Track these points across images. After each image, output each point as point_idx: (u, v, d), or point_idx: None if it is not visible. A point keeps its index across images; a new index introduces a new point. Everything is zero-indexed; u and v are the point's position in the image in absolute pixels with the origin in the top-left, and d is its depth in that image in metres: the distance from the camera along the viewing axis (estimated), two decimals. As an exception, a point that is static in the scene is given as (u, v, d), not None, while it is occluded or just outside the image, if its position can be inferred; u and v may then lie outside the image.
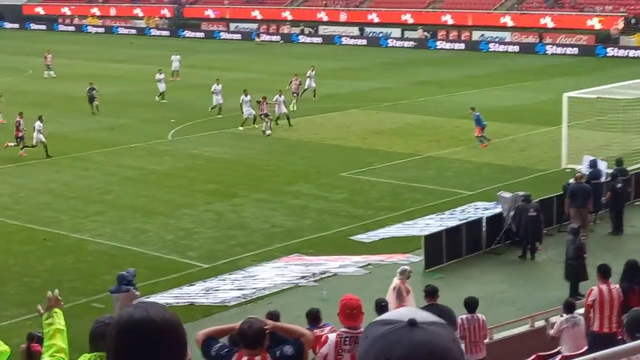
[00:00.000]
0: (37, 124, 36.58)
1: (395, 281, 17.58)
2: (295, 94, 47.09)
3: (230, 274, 22.83)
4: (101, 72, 63.58)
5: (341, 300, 10.19)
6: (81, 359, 5.54)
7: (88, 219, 27.98)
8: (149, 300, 4.01)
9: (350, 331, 9.89)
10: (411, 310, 2.71)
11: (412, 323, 2.62)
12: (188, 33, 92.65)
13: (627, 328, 7.64)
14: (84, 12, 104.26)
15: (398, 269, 18.12)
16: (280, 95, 41.92)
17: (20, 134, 36.88)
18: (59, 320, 5.32)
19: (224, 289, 21.90)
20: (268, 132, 39.63)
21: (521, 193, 24.48)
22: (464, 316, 15.31)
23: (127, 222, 27.62)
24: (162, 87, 50.09)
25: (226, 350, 8.28)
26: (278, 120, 41.25)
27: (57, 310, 5.42)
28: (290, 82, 47.83)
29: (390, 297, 17.44)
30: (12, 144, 36.91)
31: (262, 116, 39.98)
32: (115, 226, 27.15)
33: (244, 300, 20.92)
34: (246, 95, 41.32)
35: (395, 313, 2.71)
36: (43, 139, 36.54)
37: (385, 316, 2.71)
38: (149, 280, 21.54)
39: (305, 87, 49.83)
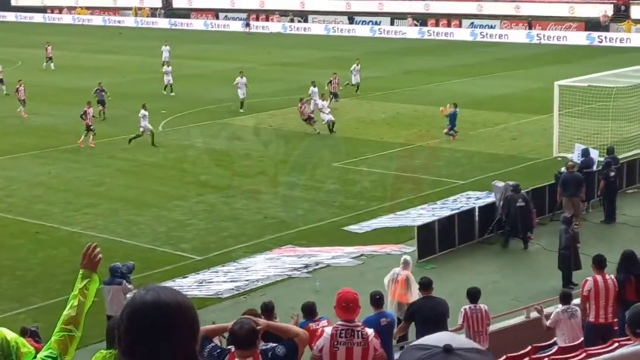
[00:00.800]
0: (142, 112, 36.48)
1: (402, 272, 17.51)
2: (332, 94, 43.74)
3: (223, 266, 22.82)
4: (91, 63, 63.47)
5: (338, 293, 10.17)
6: (97, 355, 5.44)
7: (80, 212, 27.90)
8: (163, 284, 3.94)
9: (346, 324, 9.89)
10: (448, 336, 2.68)
11: (447, 349, 2.60)
12: (177, 23, 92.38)
13: (630, 324, 7.64)
14: (72, 3, 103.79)
15: (401, 259, 18.06)
16: (323, 100, 39.10)
17: (90, 123, 36.80)
18: (79, 285, 5.05)
19: (217, 281, 21.88)
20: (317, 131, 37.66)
21: (511, 183, 24.47)
22: (467, 306, 15.34)
23: (119, 214, 27.56)
24: (167, 79, 49.59)
25: (218, 351, 8.27)
26: (330, 128, 37.99)
27: (88, 272, 5.08)
28: (330, 82, 44.58)
29: (400, 286, 17.31)
30: (84, 137, 36.69)
31: (306, 120, 38.01)
32: (107, 218, 27.09)
33: (237, 292, 20.91)
34: (314, 87, 40.23)
35: (432, 338, 2.68)
36: (150, 127, 36.41)
37: (421, 341, 2.69)
38: (141, 272, 21.42)
39: (353, 82, 47.95)
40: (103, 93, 42.97)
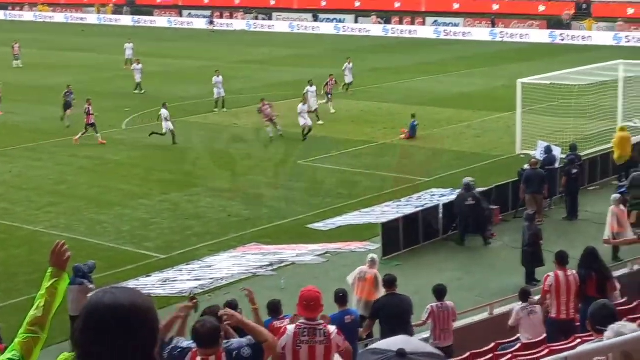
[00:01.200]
0: (163, 112, 36.18)
1: (370, 270, 17.50)
2: (329, 94, 42.73)
3: (187, 264, 22.73)
4: (53, 60, 62.93)
5: (301, 291, 10.16)
6: (61, 357, 5.31)
7: (42, 210, 27.65)
8: (124, 285, 3.86)
9: (308, 323, 9.86)
10: (403, 339, 2.68)
11: (400, 354, 2.61)
12: (141, 20, 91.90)
13: (591, 321, 7.69)
14: (35, 0, 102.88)
15: (368, 257, 18.06)
16: (303, 104, 37.17)
17: (91, 121, 36.34)
18: (46, 284, 4.91)
19: (181, 279, 21.78)
20: (272, 134, 36.42)
21: (466, 180, 24.56)
22: (434, 304, 15.40)
23: (82, 212, 27.35)
24: (138, 77, 49.13)
25: (179, 350, 8.27)
26: (304, 133, 36.35)
27: (57, 271, 4.95)
28: (326, 84, 43.21)
29: (369, 285, 17.28)
30: (80, 135, 36.27)
31: (267, 121, 36.66)
32: (69, 217, 26.87)
33: (202, 290, 20.81)
34: (311, 86, 39.74)
35: (387, 342, 2.69)
36: (171, 127, 36.04)
37: (377, 345, 2.70)
38: (105, 272, 21.29)
39: (346, 81, 47.19)
40: (72, 96, 41.22)
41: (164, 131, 36.01)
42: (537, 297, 15.57)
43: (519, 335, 14.95)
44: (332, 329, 9.92)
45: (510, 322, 15.07)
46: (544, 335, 14.53)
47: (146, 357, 3.20)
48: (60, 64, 60.31)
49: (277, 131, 36.73)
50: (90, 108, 36.50)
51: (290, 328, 9.93)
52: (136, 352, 3.16)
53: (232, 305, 13.97)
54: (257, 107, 37.67)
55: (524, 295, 15.40)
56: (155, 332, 3.21)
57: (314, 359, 9.73)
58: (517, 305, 15.31)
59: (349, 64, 48.09)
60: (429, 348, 2.68)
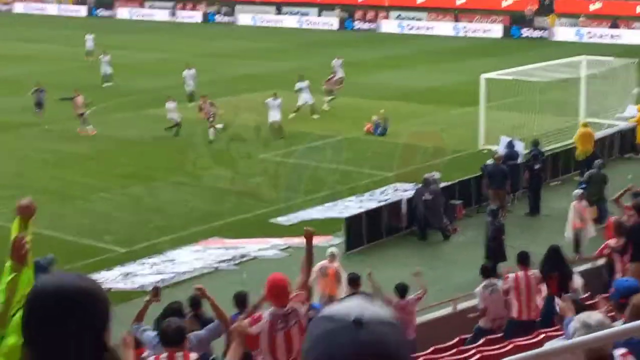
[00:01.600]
0: (168, 104, 36.01)
1: (331, 265, 17.47)
2: (331, 92, 42.04)
3: (148, 258, 22.59)
4: (12, 52, 62.17)
5: (268, 279, 10.09)
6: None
7: (1, 204, 27.26)
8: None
9: (280, 311, 9.85)
10: (360, 306, 2.51)
11: (357, 322, 2.46)
12: (102, 12, 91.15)
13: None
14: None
15: (327, 252, 18.05)
16: (274, 99, 36.11)
17: (81, 112, 36.11)
18: (5, 278, 4.76)
19: (143, 273, 21.64)
20: (212, 137, 35.24)
21: (427, 175, 24.66)
22: (396, 300, 15.39)
23: (42, 206, 26.71)
24: (105, 69, 48.43)
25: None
26: (275, 129, 35.82)
27: (16, 266, 4.80)
28: (330, 79, 42.77)
29: (330, 279, 17.26)
30: (90, 128, 35.99)
31: (208, 120, 35.71)
32: (29, 210, 26.50)
33: (163, 285, 20.64)
34: (302, 81, 39.32)
35: (342, 307, 2.52)
36: (176, 119, 35.87)
37: (332, 311, 2.53)
38: (65, 265, 21.04)
39: (338, 76, 45.66)
40: (42, 94, 38.97)
41: (173, 123, 35.91)
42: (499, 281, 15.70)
43: (479, 324, 15.05)
44: (299, 307, 9.90)
45: (480, 305, 15.16)
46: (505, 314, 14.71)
47: (95, 343, 3.08)
48: (19, 55, 59.59)
49: (214, 130, 35.66)
50: (80, 100, 36.35)
51: (265, 316, 9.89)
52: (84, 338, 3.04)
53: (195, 300, 13.89)
54: (199, 104, 37.11)
55: (485, 272, 15.69)
56: (103, 316, 3.09)
57: (290, 341, 9.74)
58: (478, 287, 15.41)
59: (337, 59, 47.30)
60: (387, 315, 2.51)
